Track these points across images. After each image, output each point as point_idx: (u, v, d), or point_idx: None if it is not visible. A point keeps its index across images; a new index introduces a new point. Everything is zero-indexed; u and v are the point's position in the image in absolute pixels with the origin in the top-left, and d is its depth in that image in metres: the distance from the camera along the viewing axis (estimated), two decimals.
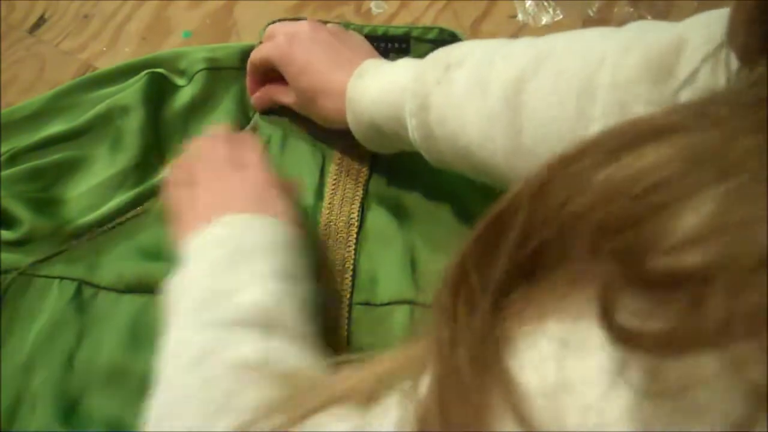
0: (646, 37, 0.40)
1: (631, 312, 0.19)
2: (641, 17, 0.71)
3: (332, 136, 0.58)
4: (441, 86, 0.46)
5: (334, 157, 0.58)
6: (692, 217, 0.19)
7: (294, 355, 0.39)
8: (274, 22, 0.62)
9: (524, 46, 0.46)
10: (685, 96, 0.36)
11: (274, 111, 0.60)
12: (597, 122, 0.40)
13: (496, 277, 0.23)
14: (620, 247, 0.20)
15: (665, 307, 0.19)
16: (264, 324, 0.39)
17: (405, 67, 0.50)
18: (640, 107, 0.39)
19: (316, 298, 0.45)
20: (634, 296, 0.19)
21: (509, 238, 0.23)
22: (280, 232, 0.45)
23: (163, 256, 0.54)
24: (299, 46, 0.55)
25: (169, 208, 0.49)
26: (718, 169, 0.20)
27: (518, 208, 0.23)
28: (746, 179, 0.19)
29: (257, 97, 0.60)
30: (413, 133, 0.48)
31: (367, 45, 0.58)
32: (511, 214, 0.23)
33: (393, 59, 0.62)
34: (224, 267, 0.42)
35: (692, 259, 0.19)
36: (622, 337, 0.19)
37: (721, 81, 0.33)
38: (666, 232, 0.19)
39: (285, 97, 0.58)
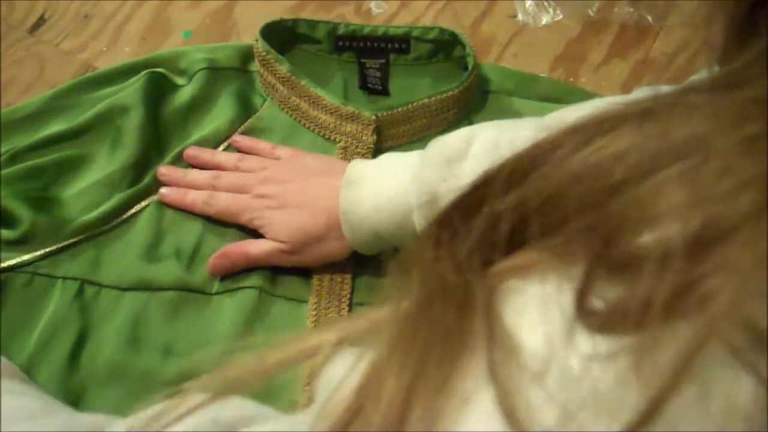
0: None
1: (600, 294, 0.20)
2: (641, 17, 0.71)
3: (333, 134, 0.58)
4: (448, 182, 0.46)
5: (335, 156, 0.58)
6: (650, 201, 0.20)
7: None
8: (275, 22, 0.62)
9: (530, 126, 0.45)
10: None
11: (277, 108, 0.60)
12: None
13: (477, 238, 0.23)
14: (589, 228, 0.20)
15: (623, 288, 0.19)
16: None
17: (396, 168, 0.49)
18: None
19: None
20: (607, 278, 0.20)
21: (491, 206, 0.23)
22: None
23: (163, 255, 0.54)
24: (271, 209, 0.52)
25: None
26: (674, 152, 0.20)
27: (502, 181, 0.24)
28: (697, 162, 0.19)
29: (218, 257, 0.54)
30: (421, 226, 0.47)
31: (328, 157, 0.56)
32: (496, 184, 0.24)
33: (393, 59, 0.63)
34: None
35: (642, 241, 0.19)
36: (584, 317, 0.20)
37: None
38: (626, 215, 0.20)
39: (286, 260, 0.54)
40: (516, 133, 0.45)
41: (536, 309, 0.21)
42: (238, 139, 0.58)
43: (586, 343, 0.19)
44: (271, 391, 0.49)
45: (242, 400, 0.33)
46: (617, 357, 0.19)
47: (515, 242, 0.23)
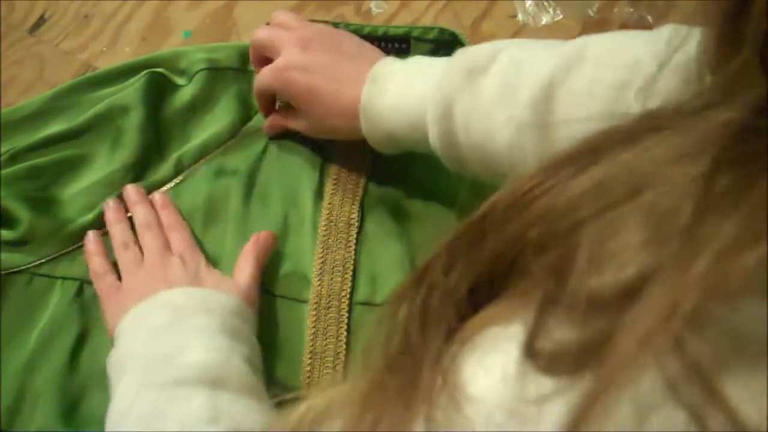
0: (681, 45, 0.39)
1: (550, 334, 0.20)
2: (641, 17, 0.71)
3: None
4: (465, 94, 0.45)
5: (335, 157, 0.58)
6: (606, 238, 0.19)
7: (242, 408, 0.40)
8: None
9: (552, 48, 0.45)
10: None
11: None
12: None
13: (458, 283, 0.24)
14: (547, 267, 0.21)
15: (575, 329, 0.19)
16: (210, 380, 0.40)
17: (421, 71, 0.49)
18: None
19: (259, 355, 0.46)
20: (561, 318, 0.20)
21: (476, 251, 0.24)
22: (218, 298, 0.46)
23: None
24: (297, 73, 0.52)
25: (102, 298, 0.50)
26: (635, 185, 0.20)
27: (487, 224, 0.24)
28: (653, 196, 0.19)
29: (268, 126, 0.59)
30: (434, 141, 0.47)
31: (364, 45, 0.56)
32: (482, 227, 0.24)
33: None
34: (164, 332, 0.43)
35: (591, 282, 0.19)
36: (531, 356, 0.20)
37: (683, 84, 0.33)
38: (582, 253, 0.20)
39: (295, 123, 0.56)
40: (539, 56, 0.44)
41: (496, 352, 0.21)
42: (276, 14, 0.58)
43: (533, 383, 0.19)
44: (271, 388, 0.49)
45: None
46: (555, 397, 0.19)
47: (493, 292, 0.23)
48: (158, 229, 0.52)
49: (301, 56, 0.53)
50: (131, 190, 0.54)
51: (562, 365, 0.19)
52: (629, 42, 0.43)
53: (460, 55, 0.48)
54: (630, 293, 0.18)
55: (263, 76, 0.55)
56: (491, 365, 0.21)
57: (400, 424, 0.22)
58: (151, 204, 0.54)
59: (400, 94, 0.49)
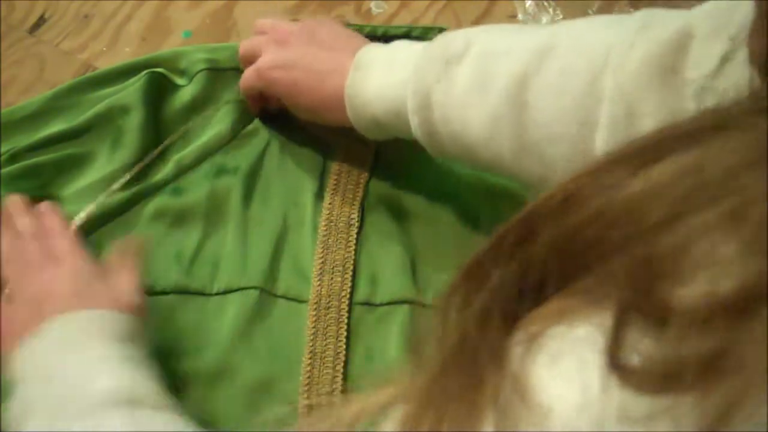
0: (650, 31, 0.39)
1: (635, 347, 0.19)
2: None
3: (333, 136, 0.58)
4: (441, 84, 0.46)
5: (335, 157, 0.58)
6: (689, 248, 0.19)
7: (162, 422, 0.39)
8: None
9: (526, 37, 0.45)
10: (699, 95, 0.36)
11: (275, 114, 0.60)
12: (602, 127, 0.39)
13: (508, 280, 0.23)
14: (622, 272, 0.20)
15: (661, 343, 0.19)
16: (126, 400, 0.39)
17: (401, 59, 0.49)
18: (648, 110, 0.38)
19: (160, 373, 0.44)
20: (642, 328, 0.19)
21: (527, 247, 0.23)
22: (107, 321, 0.44)
23: (163, 257, 0.54)
24: (278, 70, 0.53)
25: None
26: (709, 192, 0.19)
27: (539, 220, 0.23)
28: (734, 206, 0.19)
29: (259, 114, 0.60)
30: (416, 130, 0.48)
31: (343, 33, 0.55)
32: (532, 224, 0.23)
33: None
34: (63, 368, 0.41)
35: (682, 293, 0.18)
36: (617, 370, 0.19)
37: (743, 81, 0.33)
38: (663, 262, 0.19)
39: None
40: (512, 46, 0.44)
41: (568, 356, 0.20)
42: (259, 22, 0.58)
43: (621, 400, 0.19)
44: (271, 393, 0.49)
45: None
46: (653, 420, 0.18)
47: (545, 289, 0.22)
48: (41, 239, 0.49)
49: (279, 54, 0.54)
50: (13, 200, 0.52)
51: (659, 382, 0.18)
52: (600, 29, 0.42)
53: (436, 43, 0.48)
54: (738, 306, 0.18)
55: (246, 79, 0.56)
56: (566, 373, 0.20)
57: (466, 424, 0.21)
58: (37, 213, 0.52)
59: (382, 82, 0.49)
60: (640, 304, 0.19)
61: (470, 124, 0.45)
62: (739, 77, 0.33)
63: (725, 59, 0.34)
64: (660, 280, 0.19)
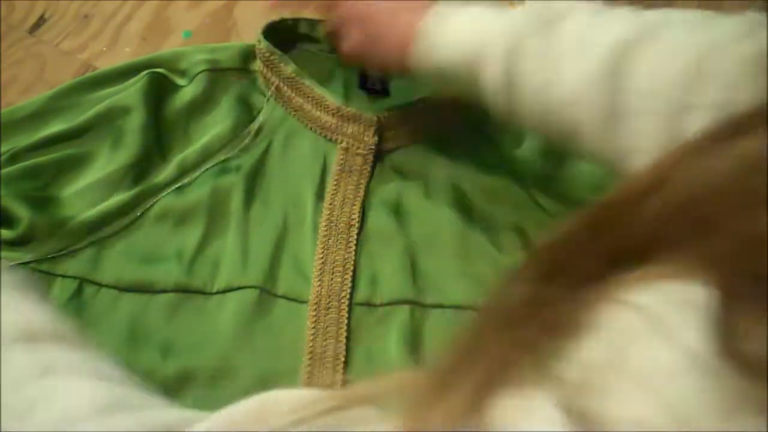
0: (760, 32, 0.38)
1: (747, 330, 0.18)
2: None
3: (335, 135, 0.58)
4: (536, 39, 0.45)
5: (336, 157, 0.58)
6: None
7: (67, 356, 0.37)
8: (276, 21, 0.62)
9: (632, 12, 0.44)
10: None
11: (280, 106, 0.60)
12: (700, 110, 0.39)
13: (587, 262, 0.22)
14: (736, 249, 0.19)
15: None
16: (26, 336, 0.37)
17: (492, 12, 0.48)
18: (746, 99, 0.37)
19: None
20: (755, 313, 0.18)
21: (619, 225, 0.22)
22: None
23: (164, 256, 0.54)
24: (361, 5, 0.53)
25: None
26: None
27: (633, 199, 0.23)
28: None
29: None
30: (493, 78, 0.46)
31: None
32: (626, 202, 0.23)
33: None
34: None
35: None
36: (730, 354, 0.18)
37: None
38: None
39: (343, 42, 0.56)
40: (617, 19, 0.44)
41: (669, 323, 0.20)
42: None
43: (746, 387, 0.18)
44: (270, 388, 0.49)
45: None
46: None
47: (639, 257, 0.22)
48: None
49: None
50: None
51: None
52: (708, 18, 0.42)
53: (537, 3, 0.47)
54: None
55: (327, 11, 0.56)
56: (663, 338, 0.19)
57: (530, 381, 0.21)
58: None
59: (463, 27, 0.48)
60: (744, 290, 0.19)
61: (563, 80, 0.43)
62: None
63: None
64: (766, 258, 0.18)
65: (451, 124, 0.60)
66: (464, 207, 0.56)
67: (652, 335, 0.19)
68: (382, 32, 0.52)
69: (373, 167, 0.58)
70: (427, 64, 0.49)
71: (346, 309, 0.52)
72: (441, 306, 0.52)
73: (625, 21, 0.43)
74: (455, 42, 0.48)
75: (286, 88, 0.60)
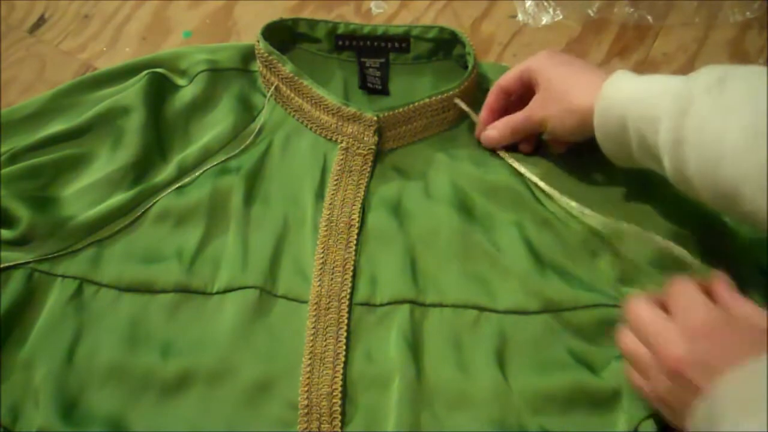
0: None
1: None
2: (641, 17, 0.71)
3: (335, 135, 0.58)
4: (709, 94, 0.45)
5: (336, 158, 0.58)
6: None
7: None
8: (275, 22, 0.62)
9: None
10: None
11: (282, 109, 0.60)
12: None
13: None
14: None
15: None
16: None
17: (661, 77, 0.50)
18: None
19: None
20: None
21: None
22: None
23: (165, 255, 0.54)
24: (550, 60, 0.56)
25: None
26: None
27: None
28: None
29: (488, 135, 0.59)
30: (664, 136, 0.47)
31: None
32: None
33: (393, 59, 0.63)
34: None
35: None
36: None
37: None
38: None
39: (518, 117, 0.57)
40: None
41: None
42: None
43: None
44: (271, 393, 0.49)
45: None
46: None
47: None
48: None
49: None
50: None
51: None
52: None
53: (708, 67, 0.48)
54: None
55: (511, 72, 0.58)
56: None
57: None
58: None
59: (639, 87, 0.50)
60: None
61: (727, 134, 0.44)
62: None
63: None
64: None
65: (450, 124, 0.60)
66: (464, 206, 0.56)
67: None
68: (562, 97, 0.54)
69: (373, 167, 0.58)
70: (604, 123, 0.51)
71: (346, 309, 0.52)
72: (441, 305, 0.52)
73: None
74: (630, 101, 0.49)
75: (285, 88, 0.60)
